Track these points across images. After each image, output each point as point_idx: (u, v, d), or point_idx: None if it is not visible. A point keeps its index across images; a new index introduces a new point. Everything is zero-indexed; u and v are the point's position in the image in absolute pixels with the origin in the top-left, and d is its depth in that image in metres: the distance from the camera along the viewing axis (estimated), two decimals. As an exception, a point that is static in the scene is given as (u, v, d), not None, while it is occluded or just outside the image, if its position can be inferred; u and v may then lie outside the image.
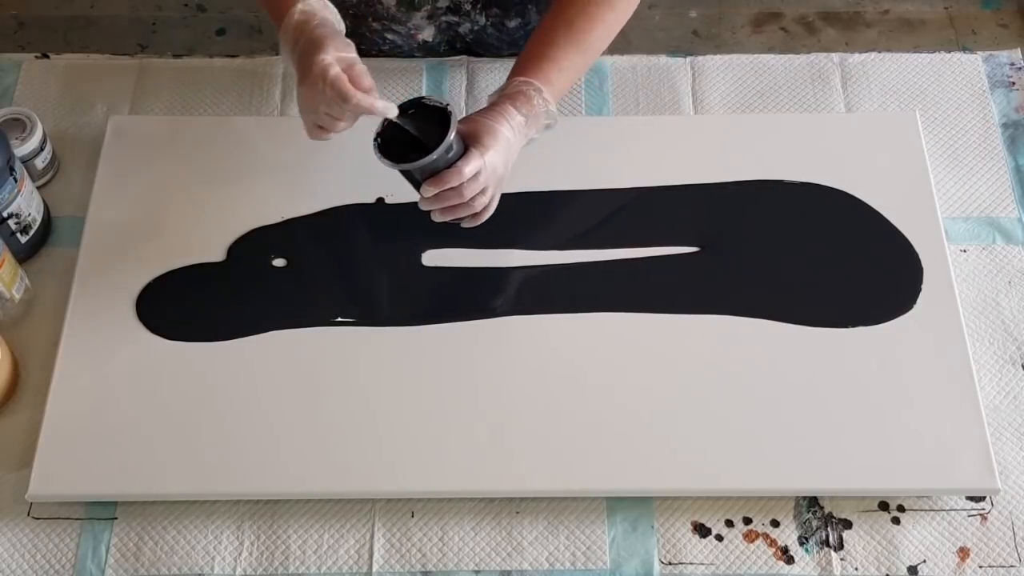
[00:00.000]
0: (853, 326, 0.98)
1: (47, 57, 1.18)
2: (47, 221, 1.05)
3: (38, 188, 1.05)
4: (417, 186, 0.92)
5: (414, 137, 0.89)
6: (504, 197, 1.03)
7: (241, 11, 2.22)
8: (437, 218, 0.94)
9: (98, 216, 1.04)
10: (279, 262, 1.02)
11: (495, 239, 1.03)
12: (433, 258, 1.03)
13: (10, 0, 2.21)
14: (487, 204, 0.94)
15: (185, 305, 0.99)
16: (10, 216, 0.99)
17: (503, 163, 0.93)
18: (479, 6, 1.16)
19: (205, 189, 1.06)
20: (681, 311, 0.99)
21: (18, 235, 1.01)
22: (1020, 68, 1.18)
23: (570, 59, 0.98)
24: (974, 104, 1.14)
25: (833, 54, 1.18)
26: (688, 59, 1.18)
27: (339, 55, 0.88)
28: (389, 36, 1.19)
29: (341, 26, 0.95)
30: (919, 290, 1.00)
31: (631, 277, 1.01)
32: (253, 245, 1.03)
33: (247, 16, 2.21)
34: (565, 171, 1.07)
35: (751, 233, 1.04)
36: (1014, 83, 1.16)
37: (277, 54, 1.22)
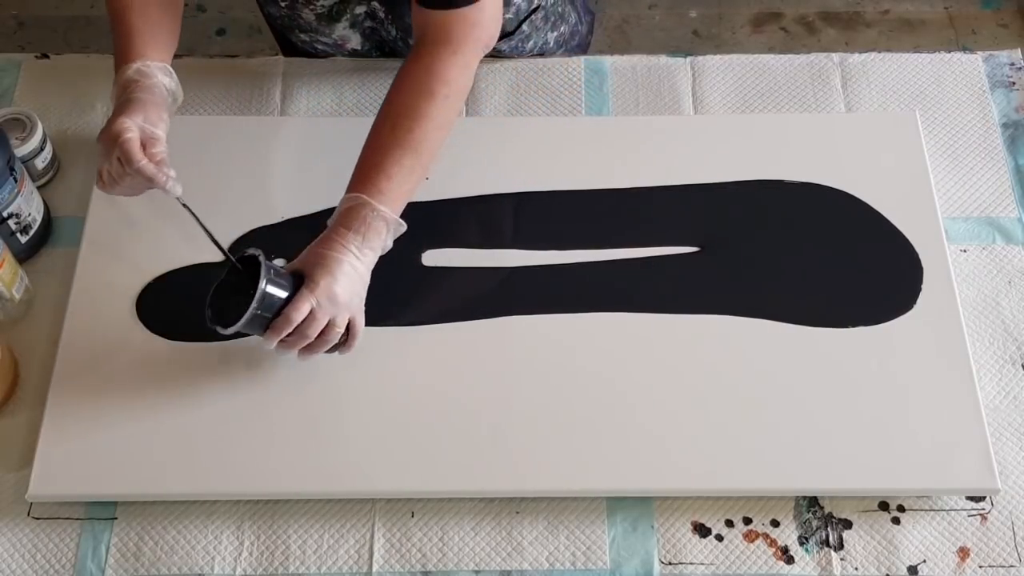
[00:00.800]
0: (853, 326, 0.98)
1: (47, 57, 1.18)
2: (47, 221, 1.05)
3: (38, 188, 1.05)
4: (261, 334, 0.88)
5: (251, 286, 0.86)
6: (504, 197, 1.03)
7: (241, 11, 2.22)
8: (301, 359, 0.91)
9: (98, 216, 1.04)
10: (279, 262, 1.02)
11: (495, 239, 1.03)
12: (433, 258, 1.03)
13: (10, 0, 2.21)
14: (344, 333, 0.90)
15: (185, 305, 0.99)
16: (10, 216, 0.99)
17: (345, 290, 0.88)
18: (390, 17, 1.13)
19: (205, 189, 1.06)
20: (681, 311, 0.99)
21: (18, 235, 1.01)
22: (1020, 68, 1.18)
23: (399, 162, 0.92)
24: (974, 104, 1.14)
25: (833, 54, 1.18)
26: (688, 59, 1.18)
27: (144, 126, 0.90)
28: (319, 47, 1.18)
29: (176, 97, 0.97)
30: (919, 290, 1.00)
31: (631, 277, 1.01)
32: (253, 245, 1.02)
33: (247, 16, 2.20)
34: (565, 171, 1.07)
35: (751, 233, 1.04)
36: (1014, 83, 1.16)
37: (277, 54, 1.23)
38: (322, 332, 0.89)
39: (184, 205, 0.91)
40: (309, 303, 0.87)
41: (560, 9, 1.20)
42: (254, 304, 0.85)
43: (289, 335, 0.87)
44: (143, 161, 0.88)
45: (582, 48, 1.29)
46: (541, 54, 1.22)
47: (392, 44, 1.19)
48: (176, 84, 0.98)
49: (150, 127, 0.91)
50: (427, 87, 0.93)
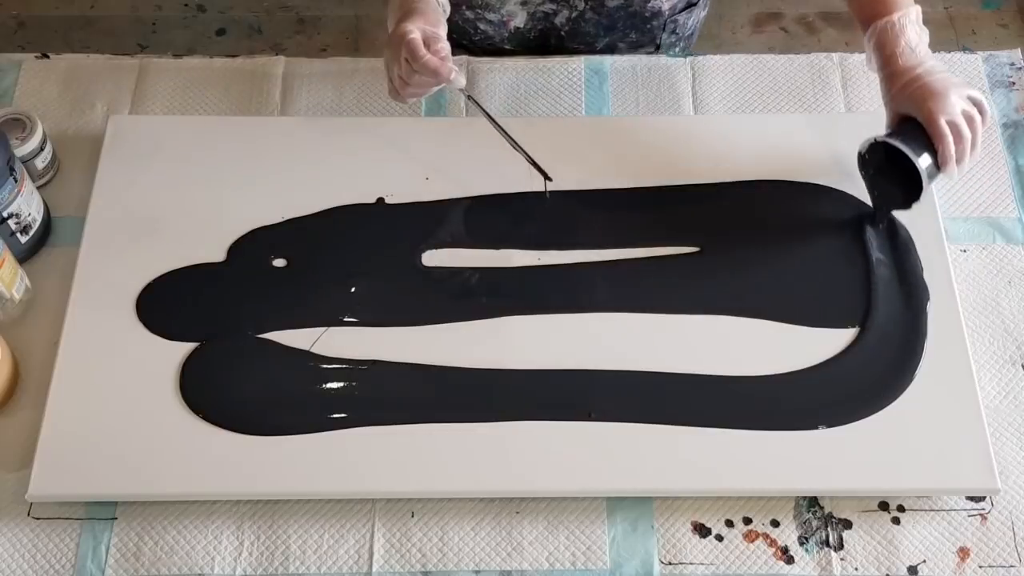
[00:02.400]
0: (853, 327, 0.98)
1: (47, 57, 1.18)
2: (47, 221, 1.05)
3: (38, 188, 1.05)
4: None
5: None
6: (504, 198, 1.03)
7: (241, 11, 2.22)
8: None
9: (98, 216, 1.04)
10: (279, 262, 1.02)
11: (495, 239, 1.03)
12: (433, 258, 1.03)
13: (10, 0, 2.21)
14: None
15: (185, 305, 0.99)
16: (10, 216, 0.99)
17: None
18: None
19: (205, 189, 1.06)
20: (681, 311, 0.99)
21: (18, 235, 1.01)
22: (1020, 68, 1.18)
23: None
24: (974, 104, 1.14)
25: (833, 54, 1.18)
26: (688, 59, 1.18)
27: (425, 27, 0.95)
28: (482, 26, 1.20)
29: (446, 10, 1.02)
30: (919, 290, 1.00)
31: (631, 277, 1.01)
32: (253, 245, 1.03)
33: (247, 16, 2.21)
34: (565, 171, 1.07)
35: (751, 233, 1.04)
36: (1014, 83, 1.16)
37: (277, 54, 1.22)
38: (972, 124, 0.95)
39: (469, 97, 1.00)
40: (943, 121, 0.93)
41: None
42: (919, 162, 0.94)
43: (958, 152, 0.94)
44: (427, 56, 0.93)
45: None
46: (691, 35, 1.27)
47: (561, 33, 1.20)
48: (445, 2, 1.02)
49: (431, 28, 0.96)
50: None
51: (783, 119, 1.12)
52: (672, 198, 1.06)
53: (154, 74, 1.16)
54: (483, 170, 1.07)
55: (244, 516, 0.91)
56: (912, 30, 0.97)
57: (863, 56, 1.16)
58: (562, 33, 1.21)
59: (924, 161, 0.95)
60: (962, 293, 1.01)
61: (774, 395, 0.94)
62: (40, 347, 0.98)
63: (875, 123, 1.11)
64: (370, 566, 0.89)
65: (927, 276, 1.00)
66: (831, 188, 1.06)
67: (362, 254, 1.03)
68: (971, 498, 0.92)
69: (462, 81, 0.96)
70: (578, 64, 1.17)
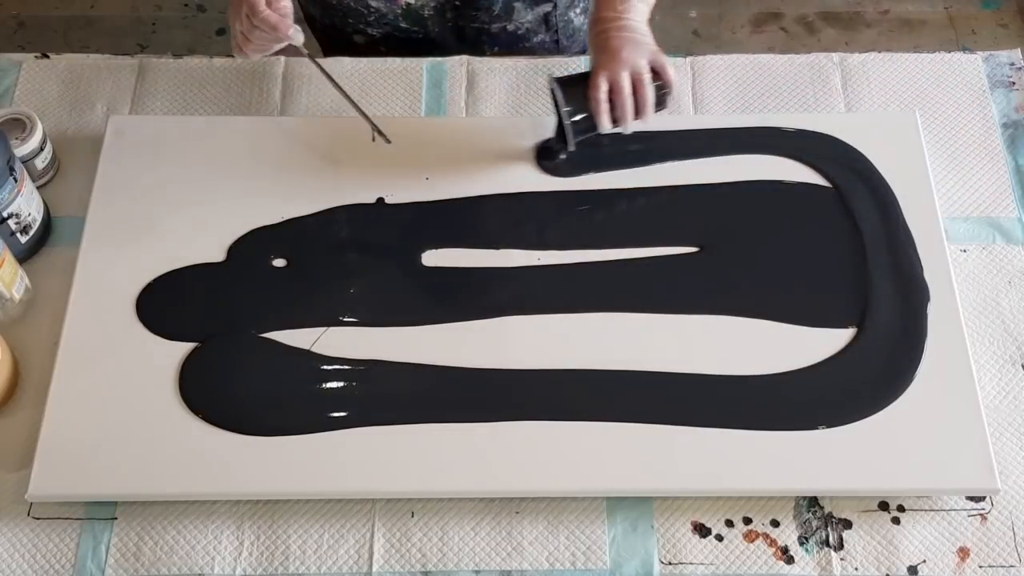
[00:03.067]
0: (852, 326, 0.98)
1: (47, 57, 1.18)
2: (47, 221, 1.05)
3: (38, 188, 1.05)
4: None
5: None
6: (504, 198, 1.03)
7: (241, 11, 2.22)
8: (643, 119, 0.99)
9: (98, 216, 1.04)
10: (279, 262, 1.02)
11: (495, 239, 1.03)
12: (433, 258, 1.03)
13: (10, 0, 2.21)
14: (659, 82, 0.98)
15: (185, 305, 0.99)
16: (10, 216, 0.99)
17: (624, 47, 0.97)
18: None
19: (205, 189, 1.06)
20: (681, 311, 0.99)
21: (18, 235, 1.01)
22: (1020, 68, 1.18)
23: None
24: (974, 104, 1.14)
25: (833, 54, 1.18)
26: (688, 59, 1.18)
27: None
28: (373, 3, 1.18)
29: None
30: (920, 290, 1.00)
31: (631, 277, 1.01)
32: (253, 245, 1.03)
33: (247, 16, 2.20)
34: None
35: (751, 233, 1.04)
36: (1014, 83, 1.16)
37: (277, 54, 1.22)
38: (640, 90, 0.97)
39: (309, 56, 1.00)
40: (602, 77, 0.96)
41: None
42: (564, 112, 0.98)
43: (615, 110, 0.97)
44: (267, 12, 0.94)
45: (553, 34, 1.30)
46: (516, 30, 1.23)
47: (455, 2, 1.19)
48: None
49: None
50: None
51: (783, 119, 1.12)
52: (672, 198, 1.06)
53: (154, 74, 1.16)
54: (483, 170, 1.07)
55: (244, 516, 0.91)
56: None
57: (863, 56, 1.17)
58: (456, 3, 1.19)
59: (576, 113, 0.99)
60: (962, 293, 1.01)
61: (774, 395, 0.94)
62: (40, 347, 0.98)
63: (875, 123, 1.12)
64: (370, 566, 0.89)
65: (927, 276, 1.00)
66: (831, 188, 1.06)
67: (362, 254, 1.03)
68: (971, 498, 0.92)
69: (301, 38, 0.98)
70: (578, 64, 1.17)
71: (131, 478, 0.91)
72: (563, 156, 1.06)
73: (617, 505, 0.92)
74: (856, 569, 0.89)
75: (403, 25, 1.21)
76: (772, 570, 0.89)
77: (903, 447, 0.92)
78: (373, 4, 1.19)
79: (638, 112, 0.98)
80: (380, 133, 1.03)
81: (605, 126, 0.98)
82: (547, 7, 1.22)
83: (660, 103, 1.00)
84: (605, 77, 0.97)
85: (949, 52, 1.18)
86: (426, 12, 1.20)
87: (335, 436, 0.92)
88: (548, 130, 1.09)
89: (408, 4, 1.19)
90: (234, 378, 0.95)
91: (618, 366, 0.96)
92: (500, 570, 0.89)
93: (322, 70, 1.03)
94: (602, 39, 0.99)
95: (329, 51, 1.31)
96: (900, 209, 1.04)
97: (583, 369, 0.96)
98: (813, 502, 0.92)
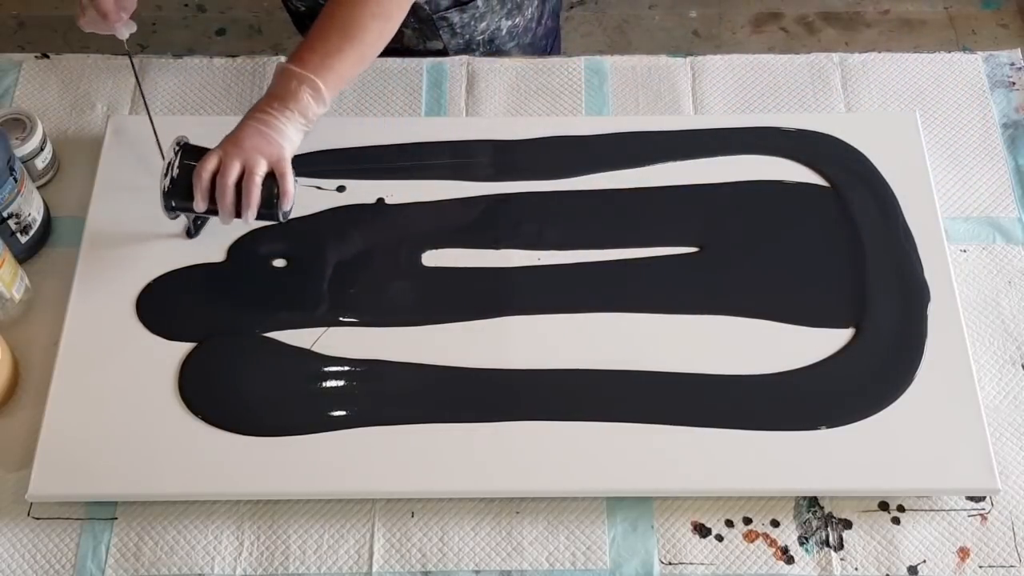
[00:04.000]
0: (852, 326, 0.98)
1: (47, 57, 1.18)
2: (47, 221, 1.05)
3: (38, 188, 1.05)
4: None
5: None
6: (504, 198, 1.03)
7: (241, 11, 2.22)
8: (245, 219, 0.94)
9: (98, 216, 1.04)
10: (279, 262, 1.02)
11: (495, 239, 1.03)
12: (433, 258, 1.03)
13: (10, 0, 2.21)
14: (274, 188, 0.94)
15: (185, 305, 0.99)
16: (10, 216, 0.99)
17: (249, 138, 0.93)
18: None
19: (205, 189, 1.06)
20: (681, 311, 0.99)
21: (18, 235, 1.01)
22: (1020, 68, 1.18)
23: (326, 37, 0.96)
24: (974, 104, 1.14)
25: (833, 54, 1.18)
26: (688, 59, 1.18)
27: None
28: None
29: None
30: (920, 290, 1.00)
31: (631, 277, 1.01)
32: (253, 245, 1.03)
33: (247, 16, 2.21)
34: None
35: (751, 233, 1.04)
36: (1014, 83, 1.16)
37: (277, 54, 1.22)
38: (246, 183, 0.92)
39: (127, 53, 1.02)
40: (215, 155, 0.93)
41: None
42: (163, 175, 0.94)
43: (215, 196, 0.92)
44: None
45: (535, 48, 1.29)
46: (492, 40, 1.22)
47: None
48: None
49: None
50: None
51: (783, 119, 1.12)
52: (672, 198, 1.06)
53: (154, 74, 1.16)
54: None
55: (244, 516, 0.91)
56: (284, 86, 0.94)
57: (863, 56, 1.17)
58: None
59: (181, 182, 0.94)
60: (962, 293, 1.01)
61: (774, 395, 0.94)
62: (40, 347, 0.98)
63: (875, 123, 1.12)
64: (370, 566, 0.89)
65: (927, 276, 1.00)
66: (830, 188, 1.06)
67: (362, 254, 1.03)
68: (971, 498, 0.92)
69: (125, 34, 1.02)
70: (578, 64, 1.17)
71: (131, 478, 0.91)
72: (191, 226, 1.02)
73: (617, 505, 0.92)
74: (856, 569, 0.89)
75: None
76: (772, 570, 0.89)
77: (903, 447, 0.92)
78: None
79: (240, 208, 0.93)
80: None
81: (199, 205, 0.93)
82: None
83: (270, 209, 0.94)
84: (217, 156, 0.93)
85: (949, 52, 1.18)
86: None
87: (335, 436, 0.92)
88: (548, 130, 1.09)
89: None
90: (234, 378, 0.95)
91: (618, 366, 0.96)
92: (500, 570, 0.89)
93: (137, 81, 1.07)
94: (240, 125, 0.95)
95: (303, 29, 1.26)
96: (900, 209, 1.04)
97: (583, 369, 0.96)
98: (813, 502, 0.92)
